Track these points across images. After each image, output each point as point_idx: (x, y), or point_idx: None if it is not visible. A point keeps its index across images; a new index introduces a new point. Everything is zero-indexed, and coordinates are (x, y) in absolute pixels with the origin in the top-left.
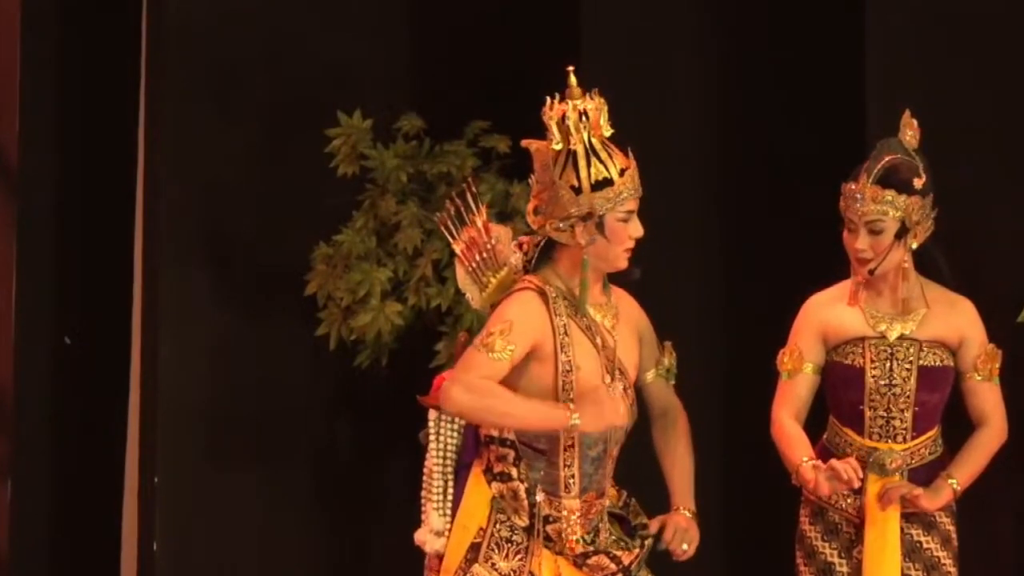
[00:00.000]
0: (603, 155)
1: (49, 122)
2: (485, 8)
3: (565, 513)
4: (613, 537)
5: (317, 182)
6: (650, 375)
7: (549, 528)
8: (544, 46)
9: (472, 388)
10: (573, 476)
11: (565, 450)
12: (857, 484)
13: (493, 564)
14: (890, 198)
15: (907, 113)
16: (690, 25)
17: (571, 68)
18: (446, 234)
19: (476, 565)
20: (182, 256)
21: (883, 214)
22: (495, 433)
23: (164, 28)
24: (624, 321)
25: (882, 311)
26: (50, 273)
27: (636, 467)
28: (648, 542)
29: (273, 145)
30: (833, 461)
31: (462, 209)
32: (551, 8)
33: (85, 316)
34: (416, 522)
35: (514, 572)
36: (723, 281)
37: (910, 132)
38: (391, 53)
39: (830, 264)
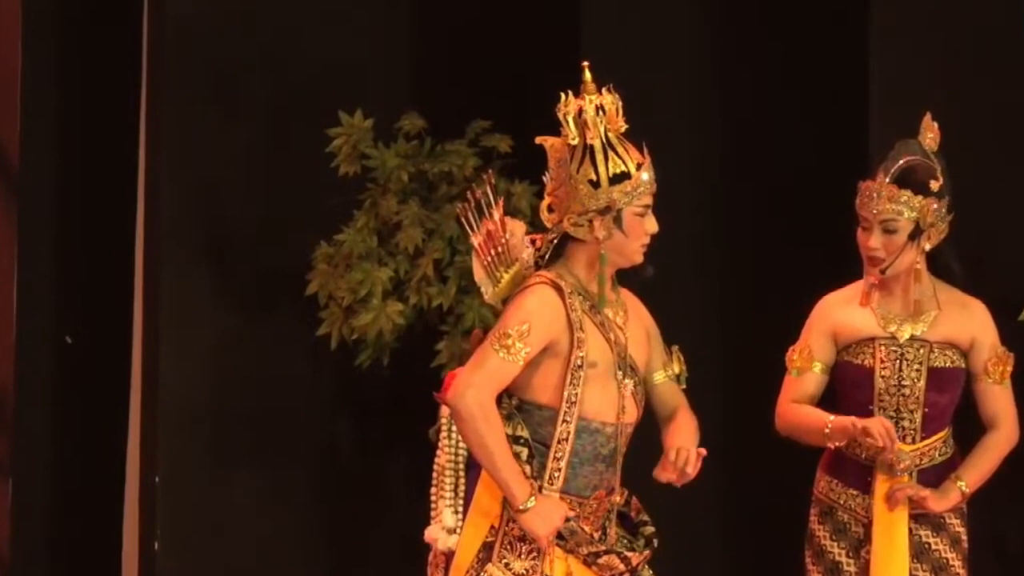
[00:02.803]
0: (619, 149)
1: (50, 122)
2: (485, 8)
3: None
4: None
5: (318, 182)
6: (658, 376)
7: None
8: (544, 46)
9: (482, 405)
10: (559, 470)
11: (559, 442)
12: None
13: (507, 564)
14: (906, 198)
15: (928, 116)
16: (691, 27)
17: (586, 63)
18: (466, 226)
19: (489, 565)
20: (182, 256)
21: (898, 214)
22: (508, 431)
23: (165, 28)
24: (634, 318)
25: (893, 312)
26: (50, 273)
27: (636, 468)
28: (655, 543)
29: (274, 145)
30: (868, 424)
31: (482, 202)
32: (551, 8)
33: (85, 316)
34: (418, 521)
35: (528, 572)
36: (722, 282)
37: (930, 135)
38: (391, 53)
39: (830, 266)
